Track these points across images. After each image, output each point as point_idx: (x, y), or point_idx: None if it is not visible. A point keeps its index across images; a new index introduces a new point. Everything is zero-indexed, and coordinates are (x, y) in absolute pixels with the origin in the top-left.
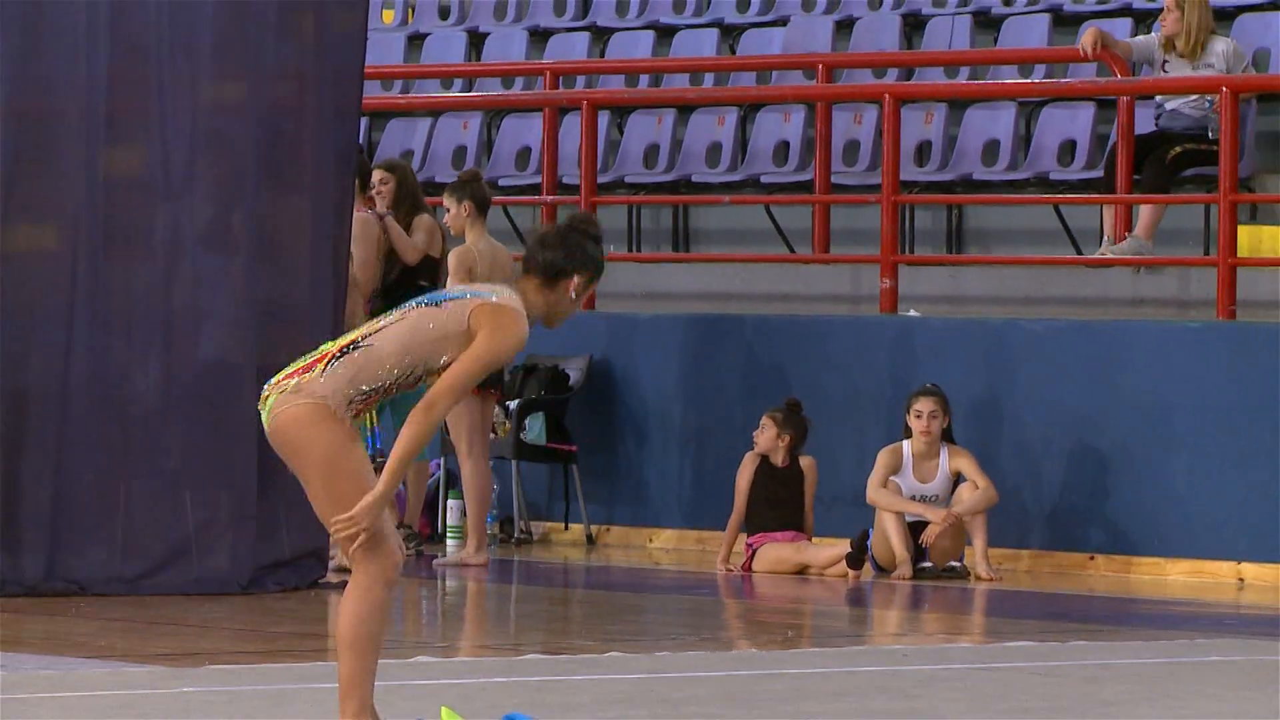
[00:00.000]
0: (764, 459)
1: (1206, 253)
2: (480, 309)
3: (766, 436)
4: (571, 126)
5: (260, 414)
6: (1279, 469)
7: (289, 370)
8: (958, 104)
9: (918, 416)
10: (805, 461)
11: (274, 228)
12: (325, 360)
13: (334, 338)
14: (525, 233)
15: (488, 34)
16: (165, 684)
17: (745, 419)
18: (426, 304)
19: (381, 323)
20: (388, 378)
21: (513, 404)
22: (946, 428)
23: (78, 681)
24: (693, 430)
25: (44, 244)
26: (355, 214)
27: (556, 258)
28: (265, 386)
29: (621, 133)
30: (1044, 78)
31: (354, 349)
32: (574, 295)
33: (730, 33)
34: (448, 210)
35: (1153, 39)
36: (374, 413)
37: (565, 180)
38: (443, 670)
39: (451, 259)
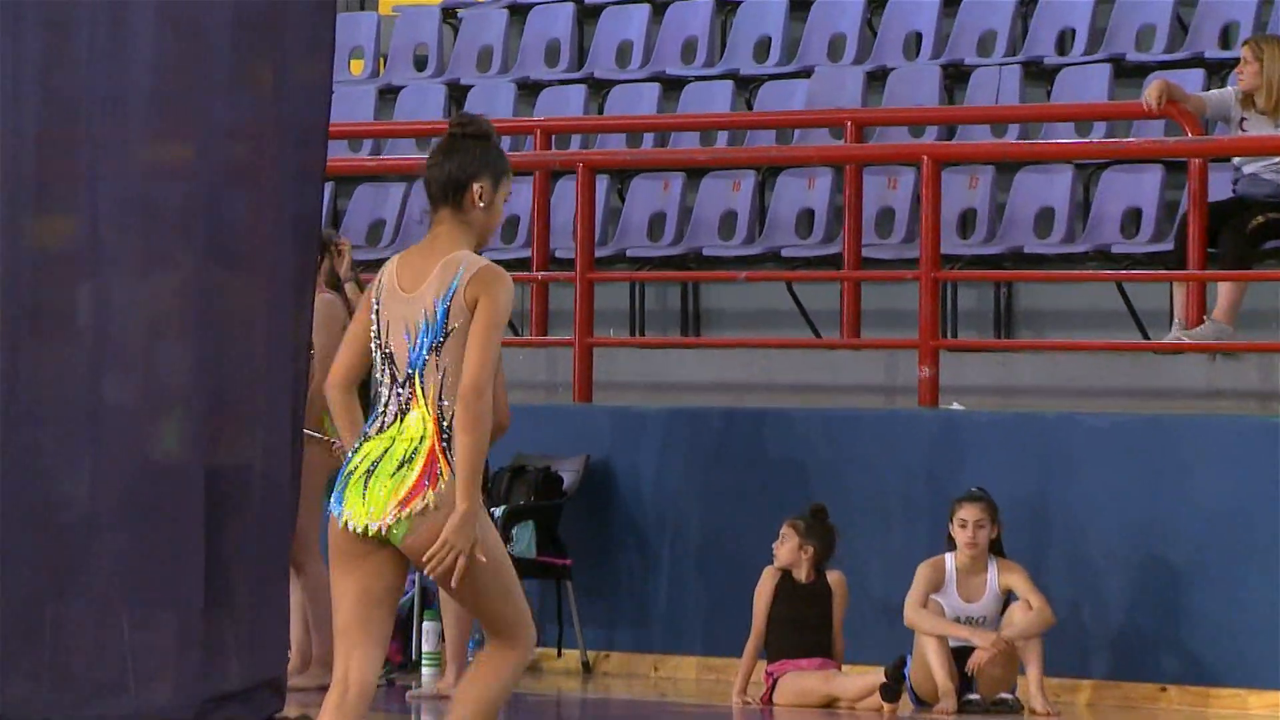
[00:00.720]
0: (786, 574)
1: None
2: (465, 284)
3: (787, 548)
4: (565, 192)
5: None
6: None
7: (391, 487)
8: (1006, 167)
9: (963, 526)
10: (833, 577)
11: (222, 308)
12: (436, 459)
13: (293, 435)
14: (514, 315)
15: (470, 86)
16: None
17: (764, 528)
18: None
19: (429, 384)
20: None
21: (498, 510)
22: (995, 539)
23: None
24: (704, 541)
25: None
26: (317, 295)
27: (449, 171)
28: (354, 514)
29: (623, 199)
30: (1105, 136)
31: (447, 430)
32: (483, 203)
33: (747, 85)
34: None
35: (1229, 93)
36: None
37: (558, 254)
38: None
39: None
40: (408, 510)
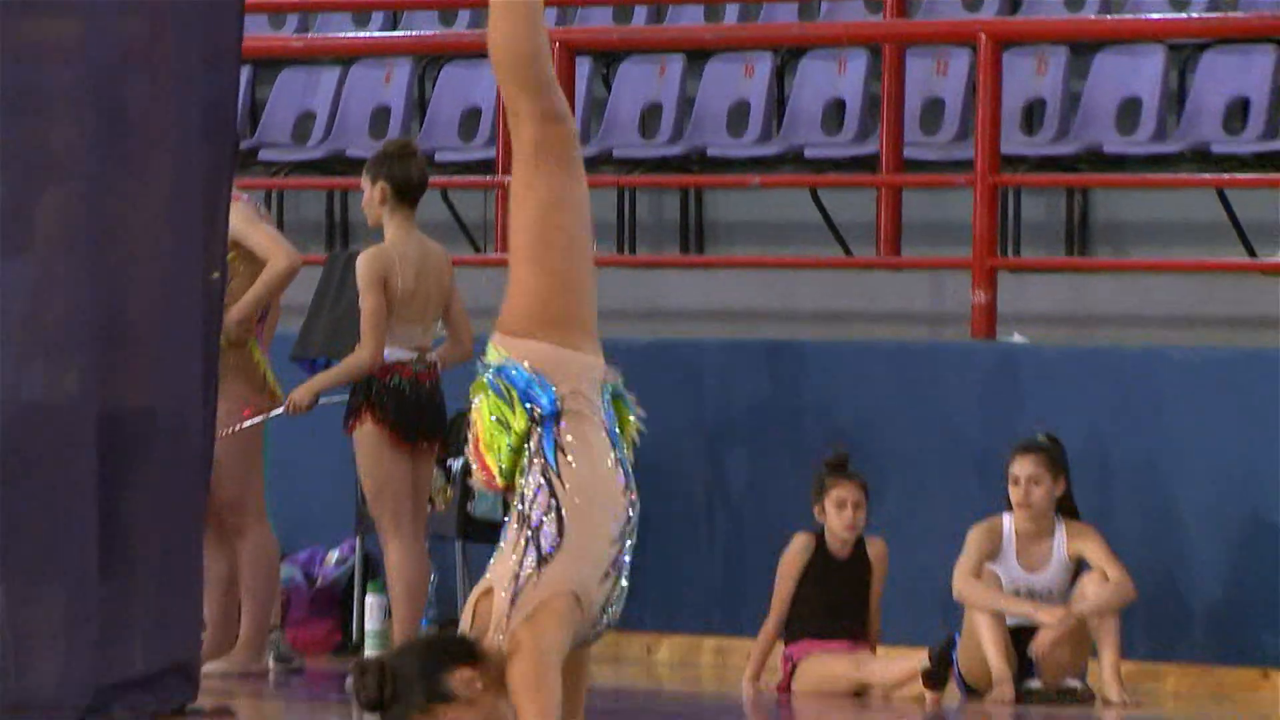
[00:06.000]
0: (820, 543)
1: None
2: None
3: (848, 520)
4: None
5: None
6: None
7: None
8: (1082, 48)
9: (1015, 482)
10: (875, 548)
11: (117, 219)
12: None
13: (205, 372)
14: (472, 227)
15: None
16: None
17: (780, 484)
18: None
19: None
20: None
21: (456, 463)
22: (1065, 496)
23: None
24: (706, 500)
25: None
26: (233, 200)
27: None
28: None
29: (609, 88)
30: (1205, 11)
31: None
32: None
33: None
34: (363, 191)
35: None
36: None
37: None
38: None
39: (361, 266)
40: None
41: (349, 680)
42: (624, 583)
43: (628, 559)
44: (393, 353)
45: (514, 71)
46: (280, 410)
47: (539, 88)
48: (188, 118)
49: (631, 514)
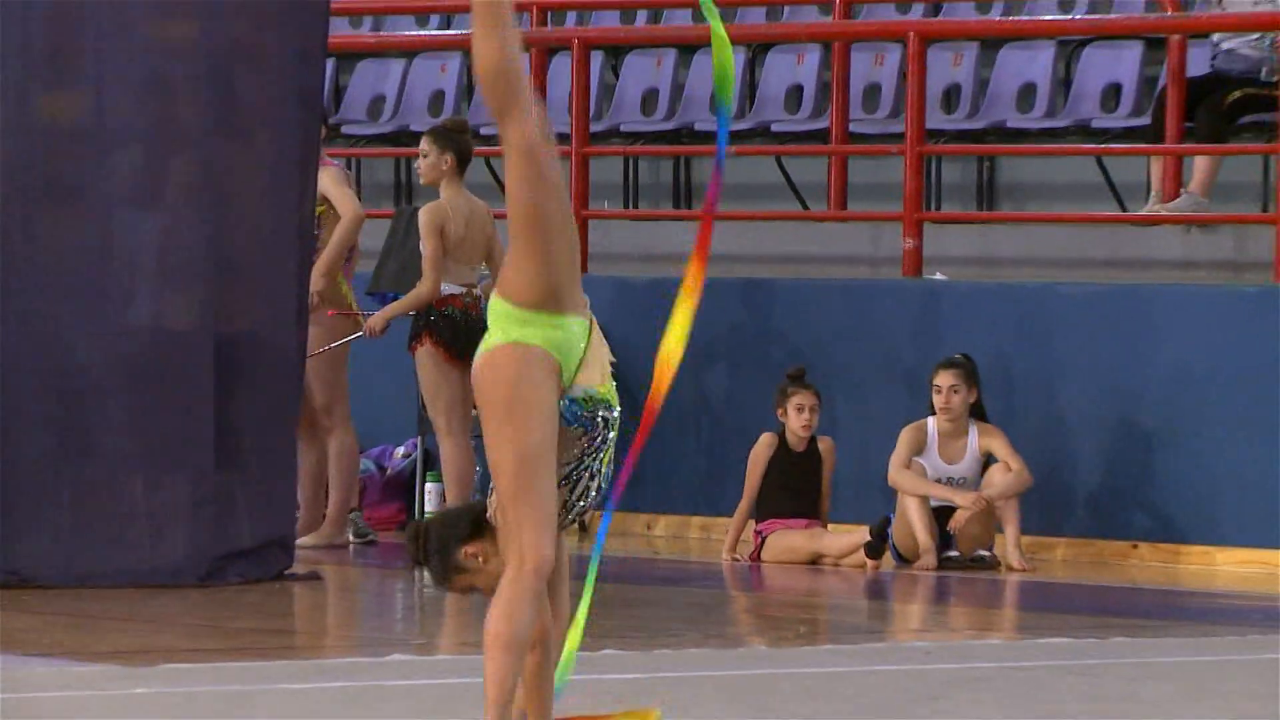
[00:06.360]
0: (781, 440)
1: (1265, 209)
2: None
3: (805, 421)
4: (561, 69)
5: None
6: None
7: None
8: (990, 43)
9: (938, 391)
10: (824, 444)
11: (227, 181)
12: None
13: (299, 305)
14: None
15: None
16: (116, 684)
17: (752, 393)
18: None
19: None
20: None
21: None
22: (976, 403)
23: (20, 682)
24: (695, 406)
25: None
26: (322, 167)
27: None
28: None
29: (617, 76)
30: (1086, 13)
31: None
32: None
33: None
34: (423, 157)
35: None
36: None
37: (555, 129)
38: (421, 669)
39: (423, 217)
40: None
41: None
42: (591, 485)
43: (589, 474)
44: (447, 288)
45: (486, 84)
46: (360, 333)
47: (507, 101)
48: (285, 100)
49: (586, 448)
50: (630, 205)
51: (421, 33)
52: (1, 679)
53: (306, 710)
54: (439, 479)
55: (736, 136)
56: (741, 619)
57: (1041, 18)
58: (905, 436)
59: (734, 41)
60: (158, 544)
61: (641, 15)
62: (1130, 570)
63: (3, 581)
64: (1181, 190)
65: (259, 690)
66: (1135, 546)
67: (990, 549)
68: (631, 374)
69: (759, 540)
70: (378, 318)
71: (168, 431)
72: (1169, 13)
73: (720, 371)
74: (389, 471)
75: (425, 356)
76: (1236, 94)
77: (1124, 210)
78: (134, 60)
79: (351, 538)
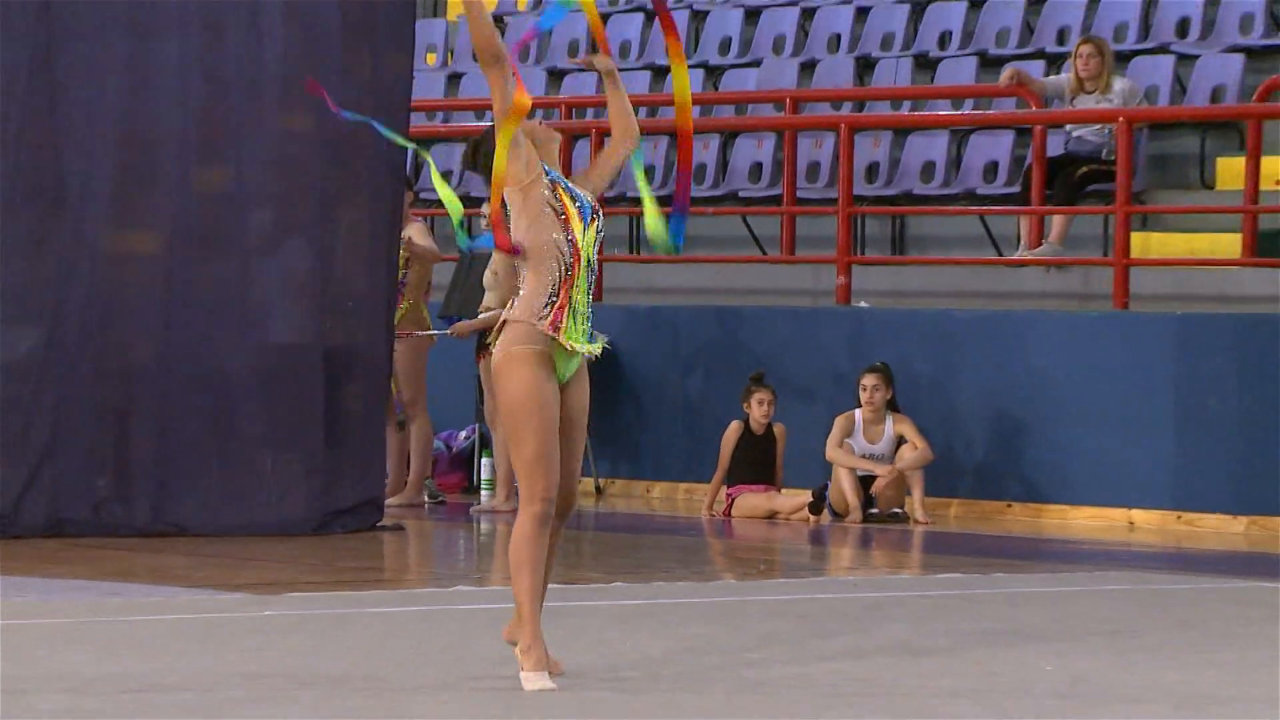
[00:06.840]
0: (745, 426)
1: (1105, 255)
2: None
3: (764, 411)
4: (582, 149)
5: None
6: (1161, 433)
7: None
8: (901, 131)
9: (864, 389)
10: (778, 428)
11: (334, 232)
12: None
13: (387, 322)
14: None
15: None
16: (250, 608)
17: (725, 392)
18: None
19: None
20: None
21: None
22: (890, 398)
23: (179, 606)
24: (683, 402)
25: (147, 248)
26: (410, 221)
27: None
28: None
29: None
30: (972, 109)
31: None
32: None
33: (713, 72)
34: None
35: (1063, 78)
36: None
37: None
38: (479, 597)
39: (496, 258)
40: None
41: (473, 506)
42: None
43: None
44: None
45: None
46: (449, 331)
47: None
48: (379, 173)
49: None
50: (634, 252)
51: (478, 124)
52: (165, 604)
53: (394, 627)
54: (491, 455)
55: (714, 200)
56: (717, 559)
57: (939, 112)
58: (838, 423)
59: (713, 130)
60: (281, 503)
61: (642, 110)
62: (1006, 523)
63: (166, 531)
64: (1043, 240)
65: (357, 613)
66: (1010, 506)
67: (902, 507)
68: (636, 377)
69: (729, 501)
70: (464, 325)
71: (289, 419)
72: (1034, 109)
73: (700, 376)
74: (454, 449)
75: (488, 364)
76: (1084, 169)
77: (1000, 255)
78: (266, 143)
79: (426, 499)
